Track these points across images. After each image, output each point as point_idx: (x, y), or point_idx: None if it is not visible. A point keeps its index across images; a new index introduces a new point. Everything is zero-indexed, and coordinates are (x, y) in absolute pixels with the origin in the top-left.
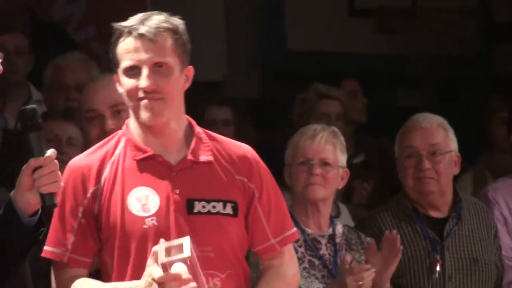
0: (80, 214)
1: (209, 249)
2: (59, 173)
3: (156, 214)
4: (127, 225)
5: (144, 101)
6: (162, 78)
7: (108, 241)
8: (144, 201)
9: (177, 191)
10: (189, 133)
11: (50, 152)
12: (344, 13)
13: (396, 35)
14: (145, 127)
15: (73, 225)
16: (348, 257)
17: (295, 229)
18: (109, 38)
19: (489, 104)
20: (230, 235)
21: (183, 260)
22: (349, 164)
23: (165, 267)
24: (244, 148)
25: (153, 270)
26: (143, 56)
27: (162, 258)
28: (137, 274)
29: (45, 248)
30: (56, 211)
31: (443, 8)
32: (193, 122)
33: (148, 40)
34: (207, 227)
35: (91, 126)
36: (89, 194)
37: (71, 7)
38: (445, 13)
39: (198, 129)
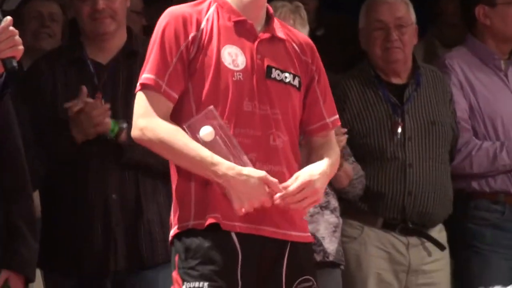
0: (179, 54)
1: (277, 111)
2: (18, 38)
3: (243, 71)
4: (221, 74)
5: None
6: None
7: (197, 86)
8: (234, 57)
9: (259, 56)
10: (268, 13)
11: (6, 19)
12: None
13: None
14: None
15: (172, 61)
16: None
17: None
18: None
19: None
20: (294, 104)
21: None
22: (312, 36)
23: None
24: (306, 36)
25: None
26: None
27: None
28: None
29: (145, 75)
30: (159, 42)
31: None
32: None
33: None
34: (279, 92)
35: (83, 5)
36: (190, 38)
37: None
38: None
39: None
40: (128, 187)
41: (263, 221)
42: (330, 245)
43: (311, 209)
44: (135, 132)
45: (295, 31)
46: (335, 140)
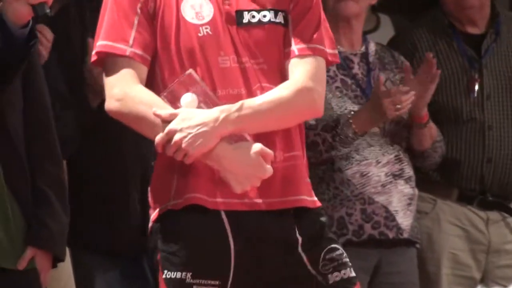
0: (138, 10)
1: (260, 60)
2: None
3: (210, 23)
4: (182, 32)
5: None
6: None
7: (161, 50)
8: (198, 9)
9: (227, 2)
10: None
11: None
12: None
13: None
14: None
15: (133, 20)
16: (383, 77)
17: (330, 50)
18: None
19: None
20: (281, 44)
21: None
22: None
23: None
24: None
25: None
26: None
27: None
28: None
29: (101, 42)
30: (112, 6)
31: None
32: None
33: None
34: (259, 37)
35: None
36: None
37: None
38: None
39: None
40: None
41: (257, 193)
42: (404, 220)
43: (383, 178)
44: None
45: None
46: (309, 70)
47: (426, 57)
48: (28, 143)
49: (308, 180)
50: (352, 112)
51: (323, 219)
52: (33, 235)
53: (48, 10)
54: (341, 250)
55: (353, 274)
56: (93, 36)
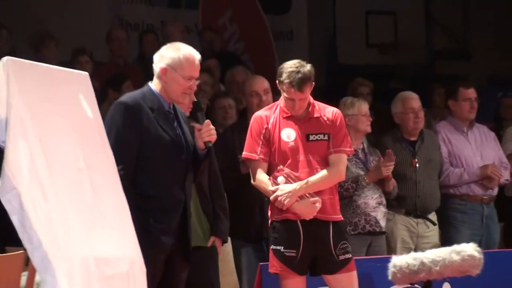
0: (262, 136)
1: (316, 156)
2: (214, 129)
3: (294, 141)
4: (281, 145)
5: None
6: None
7: (272, 154)
8: (288, 134)
9: (302, 130)
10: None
11: (207, 121)
12: None
13: None
14: (289, 103)
15: (259, 141)
16: (391, 151)
17: (348, 149)
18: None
19: None
20: (325, 148)
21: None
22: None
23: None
24: (332, 108)
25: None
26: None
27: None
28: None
29: (244, 153)
30: (249, 133)
31: None
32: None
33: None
34: (316, 146)
35: (254, 100)
36: (265, 127)
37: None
38: None
39: (311, 100)
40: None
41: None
42: (382, 222)
43: (374, 204)
44: (253, 181)
45: (324, 107)
46: (338, 161)
47: (388, 152)
48: (209, 186)
49: (338, 207)
50: (362, 173)
51: (343, 226)
52: (213, 230)
53: (210, 145)
54: (347, 243)
55: (350, 256)
56: (240, 146)
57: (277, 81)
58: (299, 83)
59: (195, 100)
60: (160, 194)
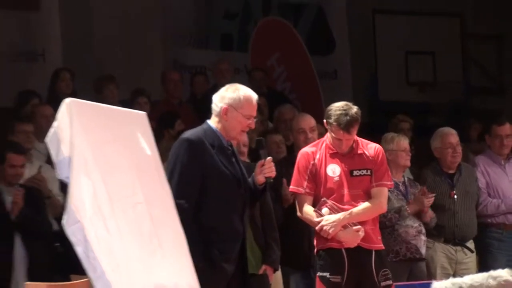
0: (308, 171)
1: (359, 190)
2: (273, 165)
3: (338, 176)
4: (327, 180)
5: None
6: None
7: (318, 187)
8: (334, 169)
9: (346, 166)
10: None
11: (269, 158)
12: None
13: None
14: (336, 142)
15: (305, 176)
16: (425, 189)
17: (389, 182)
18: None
19: None
20: (368, 183)
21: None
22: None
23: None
24: (374, 144)
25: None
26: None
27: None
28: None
29: (291, 187)
30: (296, 169)
31: None
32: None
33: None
34: (360, 181)
35: (301, 137)
36: (311, 163)
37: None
38: None
39: (355, 137)
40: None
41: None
42: (423, 249)
43: (414, 232)
44: (298, 213)
45: (366, 143)
46: (380, 194)
47: (422, 189)
48: (262, 217)
49: (380, 237)
50: (404, 204)
51: (384, 255)
52: (266, 259)
53: (271, 180)
54: (388, 271)
55: (391, 282)
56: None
57: (324, 121)
58: (347, 125)
59: (259, 138)
60: (222, 226)
